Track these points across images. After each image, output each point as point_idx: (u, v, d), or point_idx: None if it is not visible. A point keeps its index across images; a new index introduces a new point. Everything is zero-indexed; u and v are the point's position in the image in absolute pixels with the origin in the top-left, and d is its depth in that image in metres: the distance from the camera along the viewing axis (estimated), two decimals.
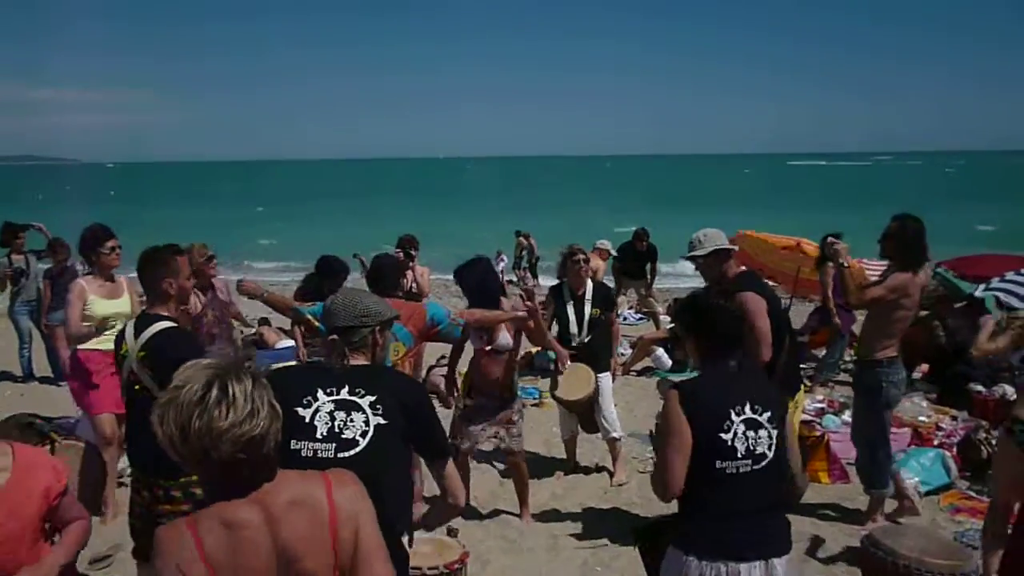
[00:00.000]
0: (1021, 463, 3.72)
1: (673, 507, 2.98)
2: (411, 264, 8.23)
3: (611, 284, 10.70)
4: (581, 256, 6.09)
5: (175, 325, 3.66)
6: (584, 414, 6.14)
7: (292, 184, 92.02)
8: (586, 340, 6.08)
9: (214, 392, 1.69)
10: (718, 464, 2.81)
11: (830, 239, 5.07)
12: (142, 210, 44.24)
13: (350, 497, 1.87)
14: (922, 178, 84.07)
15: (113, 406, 5.31)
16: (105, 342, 5.40)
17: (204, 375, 1.73)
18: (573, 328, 6.08)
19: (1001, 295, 8.10)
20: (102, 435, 5.30)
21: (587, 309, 6.07)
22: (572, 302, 6.10)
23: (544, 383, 8.93)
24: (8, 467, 2.27)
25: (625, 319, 13.42)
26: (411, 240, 8.38)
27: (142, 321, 3.66)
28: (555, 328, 6.21)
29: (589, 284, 6.15)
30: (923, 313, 8.94)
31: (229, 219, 40.64)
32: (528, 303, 4.93)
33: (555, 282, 6.42)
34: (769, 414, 2.90)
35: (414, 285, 8.20)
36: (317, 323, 4.56)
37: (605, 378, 6.11)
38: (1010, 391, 7.21)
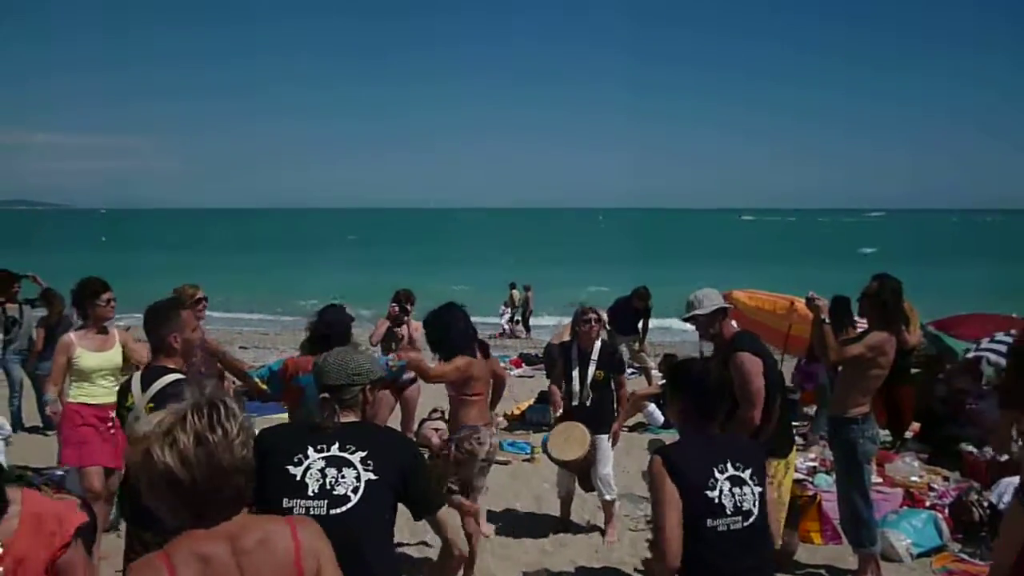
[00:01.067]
0: None
1: None
2: (406, 319, 8.26)
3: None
4: (592, 316, 6.10)
5: (184, 376, 3.64)
6: (581, 473, 6.10)
7: (282, 232, 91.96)
8: (587, 401, 6.04)
9: (219, 414, 1.84)
10: (709, 523, 2.83)
11: (811, 294, 5.12)
12: (126, 256, 44.16)
13: (311, 534, 1.98)
14: (914, 234, 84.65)
15: (101, 459, 5.31)
16: (95, 396, 5.41)
17: (198, 402, 1.86)
18: (575, 387, 6.06)
19: (991, 355, 8.14)
20: (89, 488, 5.24)
21: (591, 370, 6.04)
22: (578, 362, 6.09)
23: (536, 438, 8.89)
24: (17, 515, 2.23)
25: None
26: (407, 294, 8.39)
27: (149, 374, 3.66)
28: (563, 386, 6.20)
29: (597, 345, 6.13)
30: (915, 371, 8.99)
31: (214, 265, 40.20)
32: (406, 353, 4.86)
33: (550, 336, 6.45)
34: (751, 471, 2.95)
35: (407, 340, 8.21)
36: (263, 386, 4.59)
37: (604, 440, 6.05)
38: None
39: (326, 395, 2.80)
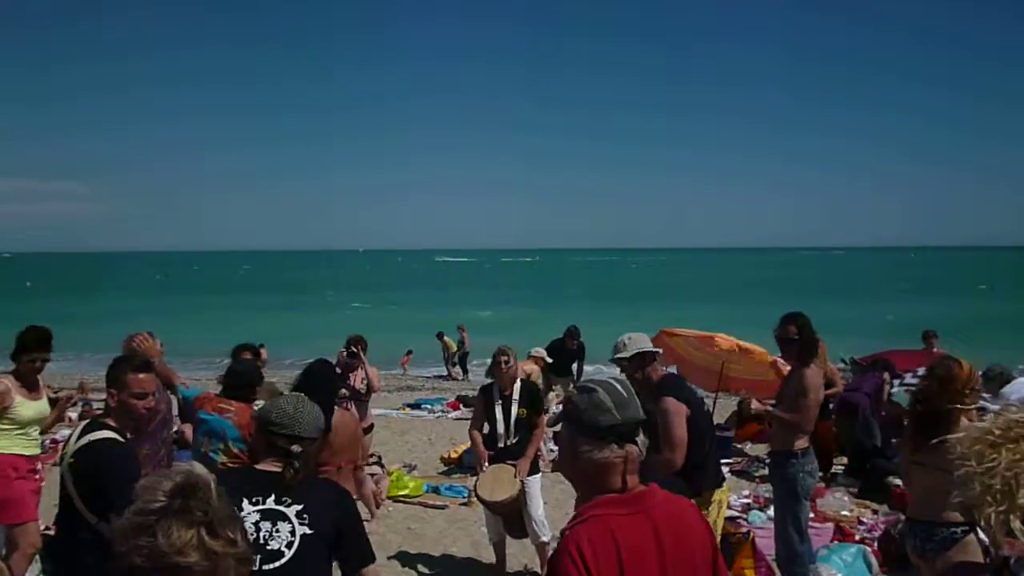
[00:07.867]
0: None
1: None
2: (356, 363, 8.31)
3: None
4: (503, 358, 6.04)
5: (111, 437, 3.44)
6: (510, 517, 5.93)
7: (206, 276, 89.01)
8: (513, 441, 5.97)
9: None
10: None
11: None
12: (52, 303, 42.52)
13: None
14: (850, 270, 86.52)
15: (26, 514, 5.06)
16: (28, 446, 5.20)
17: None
18: (500, 428, 6.00)
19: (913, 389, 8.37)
20: (31, 544, 4.98)
21: (514, 409, 6.00)
22: (500, 402, 6.04)
23: (473, 481, 8.82)
24: None
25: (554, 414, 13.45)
26: (358, 339, 8.44)
27: (88, 427, 3.50)
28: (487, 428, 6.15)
29: (517, 384, 6.09)
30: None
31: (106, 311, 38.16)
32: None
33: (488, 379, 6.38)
34: None
35: (363, 385, 8.27)
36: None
37: (533, 480, 5.98)
38: None
39: (299, 448, 2.67)
